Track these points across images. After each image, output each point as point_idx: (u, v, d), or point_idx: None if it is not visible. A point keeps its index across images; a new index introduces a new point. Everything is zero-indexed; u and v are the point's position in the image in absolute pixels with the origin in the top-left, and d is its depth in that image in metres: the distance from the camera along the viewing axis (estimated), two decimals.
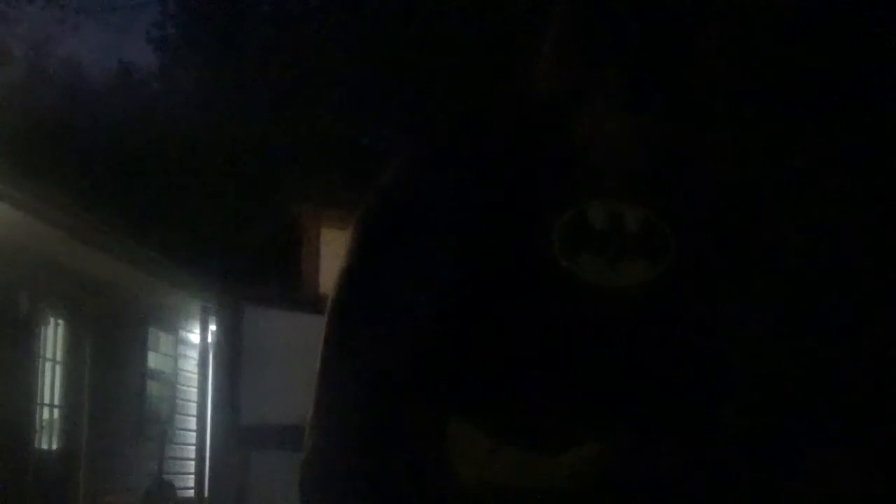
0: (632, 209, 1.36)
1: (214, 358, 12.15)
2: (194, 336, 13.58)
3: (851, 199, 1.38)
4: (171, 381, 13.48)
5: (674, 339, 1.34)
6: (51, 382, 10.54)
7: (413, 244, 1.37)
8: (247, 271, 14.28)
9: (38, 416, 10.33)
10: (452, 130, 1.47)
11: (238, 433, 8.84)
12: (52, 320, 10.51)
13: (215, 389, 11.50)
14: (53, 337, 10.60)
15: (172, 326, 13.54)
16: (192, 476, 12.68)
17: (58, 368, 10.66)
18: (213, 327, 12.57)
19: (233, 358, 8.90)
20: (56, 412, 10.70)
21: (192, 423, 13.11)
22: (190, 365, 13.74)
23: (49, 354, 10.50)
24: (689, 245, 1.36)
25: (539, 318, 1.33)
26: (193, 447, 12.83)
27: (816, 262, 1.37)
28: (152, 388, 12.86)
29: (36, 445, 10.28)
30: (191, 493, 12.52)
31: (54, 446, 10.69)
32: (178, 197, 16.73)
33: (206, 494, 11.28)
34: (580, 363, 1.32)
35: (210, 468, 10.99)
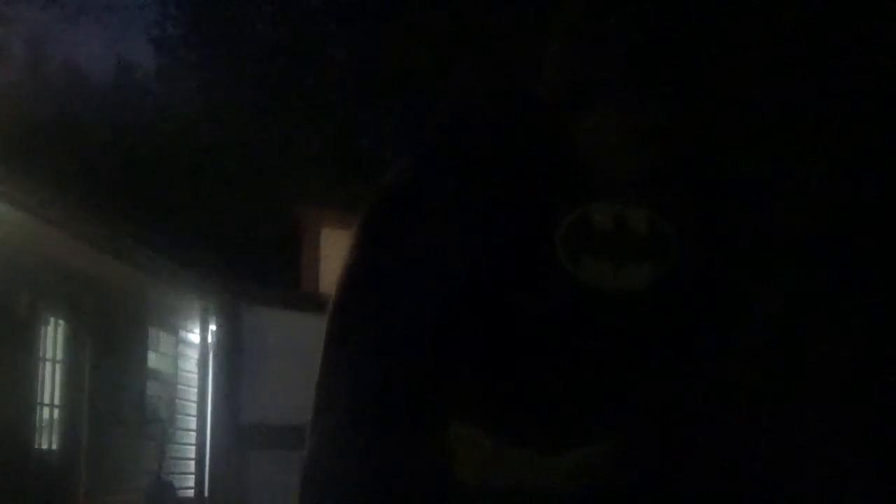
0: (636, 211, 1.36)
1: (214, 358, 12.16)
2: (194, 336, 13.58)
3: (858, 201, 1.38)
4: (171, 381, 13.48)
5: (676, 341, 1.34)
6: (51, 382, 10.54)
7: (416, 245, 1.37)
8: (247, 271, 14.27)
9: (38, 416, 10.33)
10: (455, 131, 1.47)
11: (238, 433, 8.86)
12: (52, 320, 10.51)
13: (215, 389, 11.50)
14: (53, 337, 10.60)
15: (172, 326, 13.54)
16: (192, 476, 12.68)
17: (58, 368, 10.66)
18: (213, 327, 12.57)
19: (233, 358, 8.92)
20: (56, 412, 10.69)
21: (192, 423, 13.11)
22: (190, 365, 13.73)
23: (49, 354, 10.50)
24: (693, 247, 1.36)
25: (541, 320, 1.33)
26: (193, 447, 12.83)
27: (822, 264, 1.37)
28: (152, 388, 12.86)
29: (36, 445, 10.28)
30: (191, 493, 12.51)
31: (54, 446, 10.68)
32: (178, 197, 16.74)
33: (206, 494, 11.28)
34: (582, 365, 1.32)
35: (210, 468, 10.99)
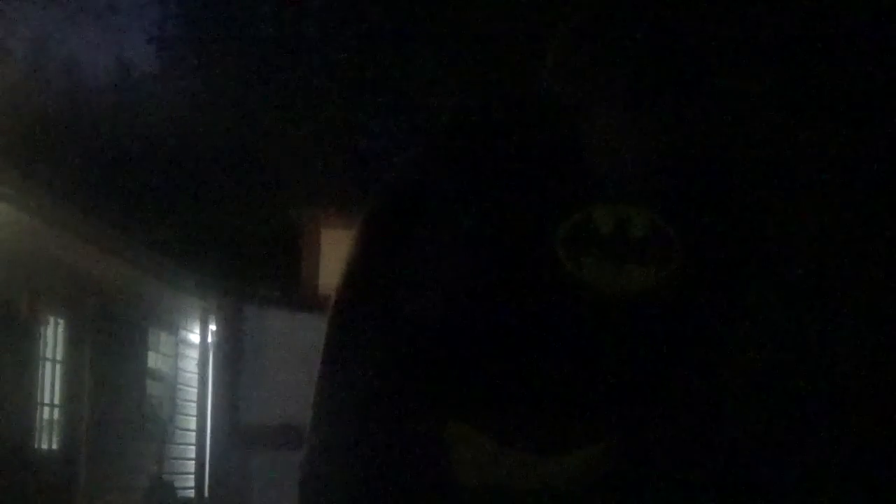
0: (638, 213, 1.36)
1: (214, 358, 12.14)
2: (194, 336, 13.57)
3: (857, 203, 1.38)
4: (171, 381, 13.47)
5: (676, 343, 1.34)
6: (51, 382, 10.53)
7: (417, 246, 1.37)
8: (247, 271, 14.27)
9: (38, 416, 10.32)
10: (457, 133, 1.47)
11: (238, 433, 8.85)
12: (52, 320, 10.50)
13: (215, 389, 11.48)
14: (53, 337, 10.59)
15: (172, 326, 13.53)
16: (192, 476, 12.68)
17: (58, 368, 10.65)
18: (213, 327, 12.56)
19: (233, 358, 8.91)
20: (56, 412, 10.69)
21: (192, 423, 13.10)
22: (190, 365, 13.73)
23: (49, 354, 10.49)
24: (693, 249, 1.36)
25: (541, 320, 1.33)
26: (193, 447, 12.82)
27: (820, 267, 1.37)
28: (152, 388, 12.85)
29: (36, 445, 10.27)
30: (191, 493, 12.51)
31: (54, 446, 10.68)
32: (178, 197, 16.73)
33: (206, 494, 11.28)
34: (582, 366, 1.32)
35: (210, 468, 10.98)
